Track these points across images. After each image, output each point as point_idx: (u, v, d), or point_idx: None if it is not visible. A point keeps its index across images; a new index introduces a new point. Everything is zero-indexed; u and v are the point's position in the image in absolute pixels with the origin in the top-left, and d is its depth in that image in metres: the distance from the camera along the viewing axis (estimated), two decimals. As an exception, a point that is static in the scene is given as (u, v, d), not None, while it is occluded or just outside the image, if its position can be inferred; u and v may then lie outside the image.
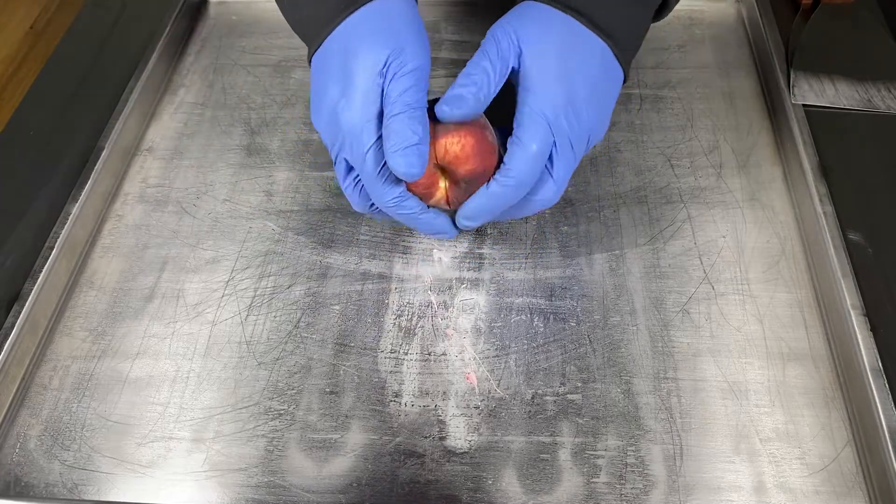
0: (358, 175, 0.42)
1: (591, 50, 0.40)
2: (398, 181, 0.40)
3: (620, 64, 0.42)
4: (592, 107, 0.40)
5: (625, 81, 0.43)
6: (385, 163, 0.39)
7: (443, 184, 0.43)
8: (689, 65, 0.65)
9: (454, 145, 0.40)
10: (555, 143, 0.39)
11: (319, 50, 0.42)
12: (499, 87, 0.39)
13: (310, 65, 0.43)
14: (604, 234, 0.53)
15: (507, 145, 0.40)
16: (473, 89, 0.38)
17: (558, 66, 0.38)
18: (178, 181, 0.58)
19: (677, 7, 0.70)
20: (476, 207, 0.42)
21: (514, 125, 0.40)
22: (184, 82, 0.65)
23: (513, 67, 0.40)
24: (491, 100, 0.39)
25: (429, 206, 0.44)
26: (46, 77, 0.64)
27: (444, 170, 0.42)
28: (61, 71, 0.65)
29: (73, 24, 0.69)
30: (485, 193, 0.41)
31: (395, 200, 0.41)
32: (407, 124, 0.37)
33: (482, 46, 0.40)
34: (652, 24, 0.47)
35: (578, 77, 0.39)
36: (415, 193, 0.42)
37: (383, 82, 0.38)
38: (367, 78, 0.38)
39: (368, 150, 0.39)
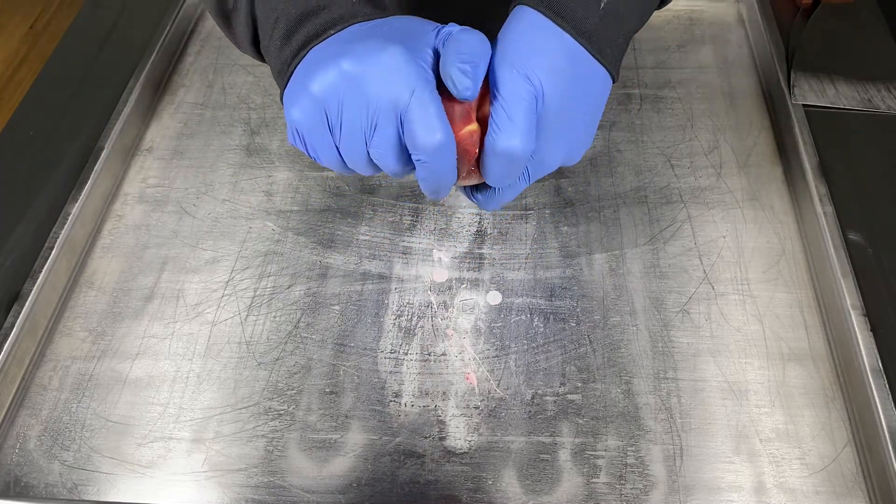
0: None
1: (594, 84, 0.39)
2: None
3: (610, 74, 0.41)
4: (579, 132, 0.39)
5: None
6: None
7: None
8: (689, 65, 0.65)
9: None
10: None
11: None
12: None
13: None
14: (604, 234, 0.53)
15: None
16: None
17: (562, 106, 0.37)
18: (178, 181, 0.58)
19: (677, 7, 0.70)
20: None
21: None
22: (184, 82, 0.65)
23: None
24: None
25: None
26: (46, 77, 0.64)
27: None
28: (61, 71, 0.65)
29: (73, 24, 0.69)
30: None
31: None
32: (465, 43, 0.35)
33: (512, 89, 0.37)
34: (651, 24, 0.47)
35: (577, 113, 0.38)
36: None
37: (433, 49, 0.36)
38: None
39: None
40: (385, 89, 0.35)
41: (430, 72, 0.36)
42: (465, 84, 0.35)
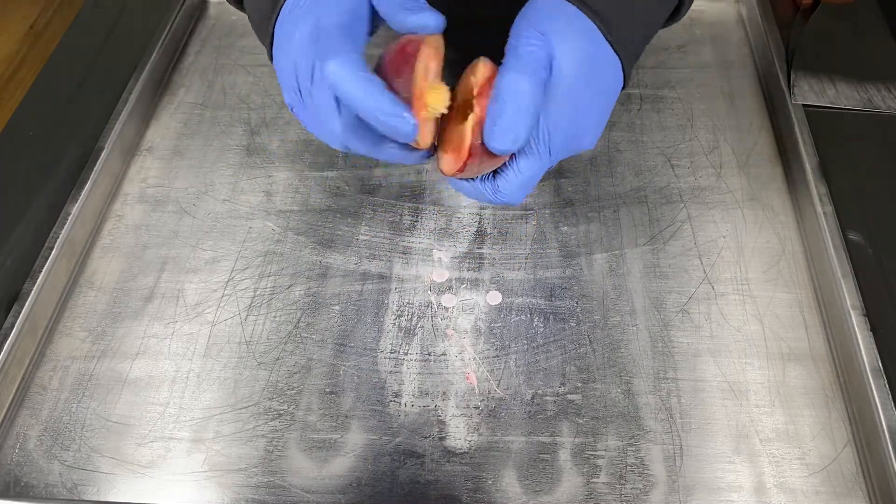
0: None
1: (607, 68, 0.39)
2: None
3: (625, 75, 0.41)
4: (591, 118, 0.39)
5: (623, 88, 0.43)
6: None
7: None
8: (689, 65, 0.65)
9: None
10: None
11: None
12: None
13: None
14: (604, 234, 0.53)
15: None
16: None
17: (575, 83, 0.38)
18: (178, 181, 0.58)
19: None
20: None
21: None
22: (183, 82, 0.65)
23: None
24: None
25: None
26: (46, 77, 0.64)
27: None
28: (61, 71, 0.65)
29: (73, 24, 0.69)
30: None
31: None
32: None
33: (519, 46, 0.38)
34: None
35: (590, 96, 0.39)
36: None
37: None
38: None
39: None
40: (316, 54, 0.36)
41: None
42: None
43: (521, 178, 0.39)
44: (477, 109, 0.37)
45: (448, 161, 0.39)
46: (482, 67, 0.39)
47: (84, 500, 0.43)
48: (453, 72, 0.40)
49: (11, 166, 0.57)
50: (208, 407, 0.46)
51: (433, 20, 0.37)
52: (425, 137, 0.37)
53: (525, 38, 0.37)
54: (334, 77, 0.34)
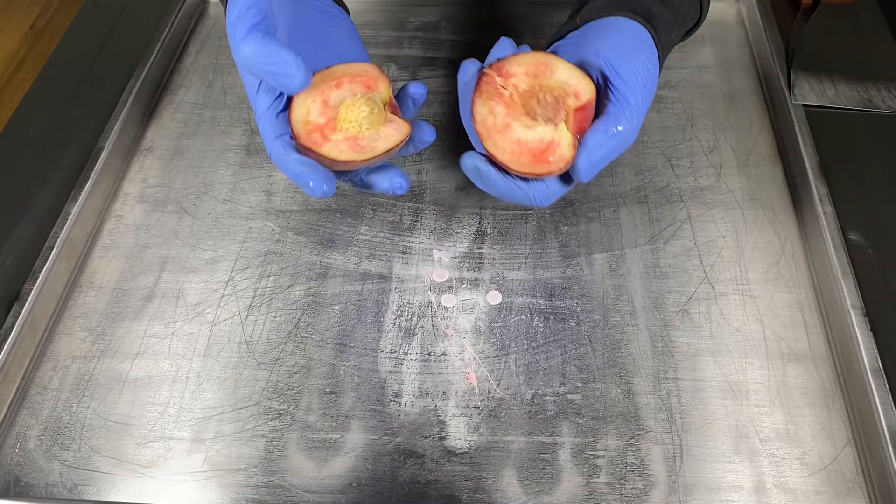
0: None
1: (656, 63, 0.42)
2: None
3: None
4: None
5: None
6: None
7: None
8: (689, 65, 0.65)
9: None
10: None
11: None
12: None
13: None
14: (604, 234, 0.53)
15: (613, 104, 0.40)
16: None
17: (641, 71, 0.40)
18: (178, 181, 0.58)
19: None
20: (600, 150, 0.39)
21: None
22: (183, 82, 0.65)
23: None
24: None
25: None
26: (46, 77, 0.64)
27: None
28: (61, 71, 0.65)
29: (73, 24, 0.69)
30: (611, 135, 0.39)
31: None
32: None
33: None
34: None
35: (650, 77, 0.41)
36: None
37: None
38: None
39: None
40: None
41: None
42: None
43: (598, 154, 0.39)
44: (574, 128, 0.38)
45: (526, 164, 0.38)
46: (569, 73, 0.38)
47: (84, 500, 0.43)
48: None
49: (11, 166, 0.57)
50: (208, 407, 0.46)
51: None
52: (338, 153, 0.38)
53: (630, 76, 0.39)
54: (242, 52, 0.35)
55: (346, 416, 0.45)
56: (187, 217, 0.55)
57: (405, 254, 0.53)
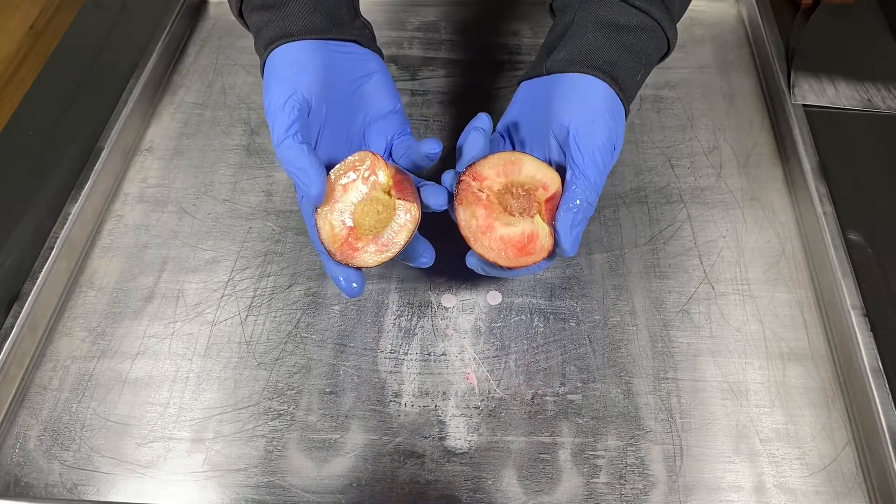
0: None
1: (620, 117, 0.43)
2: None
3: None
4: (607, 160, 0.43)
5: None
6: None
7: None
8: (689, 65, 0.65)
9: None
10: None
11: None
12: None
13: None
14: (604, 234, 0.53)
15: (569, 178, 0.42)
16: None
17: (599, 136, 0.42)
18: (178, 181, 0.58)
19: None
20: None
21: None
22: (184, 82, 0.65)
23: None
24: None
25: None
26: (46, 77, 0.64)
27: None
28: (61, 71, 0.65)
29: (73, 24, 0.69)
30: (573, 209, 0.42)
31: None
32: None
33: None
34: None
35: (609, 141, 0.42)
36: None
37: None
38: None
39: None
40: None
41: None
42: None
43: (579, 230, 0.42)
44: (547, 217, 0.41)
45: (516, 259, 0.41)
46: (535, 167, 0.41)
47: (84, 500, 0.43)
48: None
49: (11, 166, 0.57)
50: (208, 407, 0.46)
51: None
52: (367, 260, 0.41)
53: (588, 150, 0.41)
54: (279, 155, 0.41)
55: (346, 417, 0.45)
56: (187, 217, 0.55)
57: (405, 254, 0.53)
